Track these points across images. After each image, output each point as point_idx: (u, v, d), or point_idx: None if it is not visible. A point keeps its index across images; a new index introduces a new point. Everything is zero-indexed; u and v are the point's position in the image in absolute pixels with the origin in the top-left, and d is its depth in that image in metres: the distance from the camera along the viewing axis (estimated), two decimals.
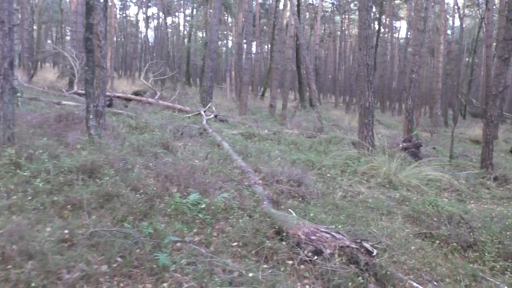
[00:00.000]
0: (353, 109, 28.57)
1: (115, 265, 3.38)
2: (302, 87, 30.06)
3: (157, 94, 19.37)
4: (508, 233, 5.10)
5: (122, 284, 3.19)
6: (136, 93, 19.91)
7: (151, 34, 56.80)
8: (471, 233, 5.09)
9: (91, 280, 3.11)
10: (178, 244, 3.93)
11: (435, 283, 3.92)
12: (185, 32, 48.91)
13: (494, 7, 25.90)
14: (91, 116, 6.66)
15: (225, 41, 47.10)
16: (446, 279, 4.01)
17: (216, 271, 3.48)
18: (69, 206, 4.48)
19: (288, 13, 22.44)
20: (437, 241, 4.96)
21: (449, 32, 32.23)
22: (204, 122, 13.12)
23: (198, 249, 3.84)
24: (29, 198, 4.64)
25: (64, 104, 13.64)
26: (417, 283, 3.79)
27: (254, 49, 36.22)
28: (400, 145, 10.94)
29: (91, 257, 3.42)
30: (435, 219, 5.60)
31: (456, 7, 32.51)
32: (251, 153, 8.38)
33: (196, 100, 20.08)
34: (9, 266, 3.00)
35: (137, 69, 45.38)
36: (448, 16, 31.68)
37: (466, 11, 40.00)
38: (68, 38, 44.73)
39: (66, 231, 3.86)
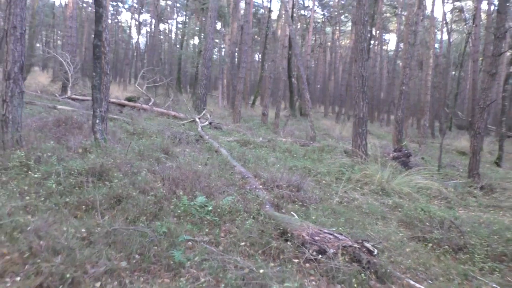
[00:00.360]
0: (342, 119, 29.03)
1: (134, 261, 3.59)
2: (293, 96, 30.48)
3: (151, 101, 19.56)
4: (495, 237, 5.43)
5: (142, 279, 3.40)
6: (129, 99, 20.04)
7: (142, 40, 56.95)
8: (462, 237, 5.40)
9: (114, 274, 3.32)
10: (190, 243, 4.15)
11: (430, 282, 4.21)
12: (177, 39, 49.17)
13: (481, 23, 26.72)
14: (97, 121, 6.86)
15: (216, 49, 47.49)
16: (440, 278, 4.30)
17: (228, 267, 3.71)
18: (83, 206, 4.67)
19: (281, 24, 22.89)
20: (430, 244, 5.27)
21: (436, 45, 33.10)
22: (200, 129, 13.35)
23: (209, 248, 4.07)
24: (42, 199, 4.83)
25: (60, 109, 13.75)
26: (414, 281, 4.07)
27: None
28: (391, 155, 11.31)
29: (110, 254, 3.63)
30: (427, 223, 5.91)
31: (444, 22, 33.40)
32: (249, 160, 8.63)
33: (188, 107, 20.29)
34: (38, 260, 3.20)
35: (128, 75, 45.40)
36: (436, 30, 32.53)
37: (454, 26, 41.06)
38: (59, 42, 44.60)
39: (83, 230, 4.06)
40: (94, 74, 6.76)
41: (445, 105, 27.20)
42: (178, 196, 5.19)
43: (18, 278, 3.02)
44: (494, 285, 4.24)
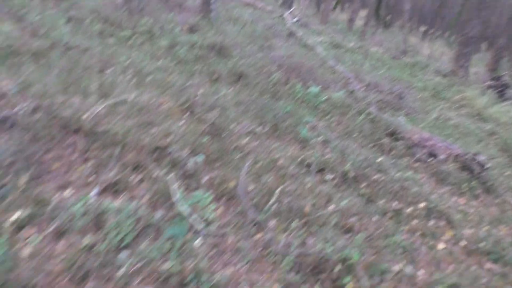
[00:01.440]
0: (430, 38, 27.14)
1: (267, 129, 4.01)
2: (380, 6, 28.50)
3: None
4: None
5: (275, 144, 3.82)
6: None
7: None
8: None
9: (254, 135, 3.77)
10: (310, 125, 4.50)
11: None
12: None
13: None
14: (212, 0, 7.01)
15: None
16: None
17: (347, 152, 4.05)
18: (212, 76, 5.08)
19: None
20: None
21: None
22: (289, 25, 13.13)
23: (326, 132, 4.41)
24: (172, 64, 5.27)
25: None
26: None
27: None
28: (487, 83, 10.77)
29: (246, 120, 4.06)
30: None
31: None
32: (346, 62, 8.60)
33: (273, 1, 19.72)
34: (198, 111, 3.68)
35: None
36: None
37: None
38: None
39: (216, 97, 4.48)
40: None
41: None
42: (293, 84, 5.46)
43: (181, 123, 3.50)
44: None
